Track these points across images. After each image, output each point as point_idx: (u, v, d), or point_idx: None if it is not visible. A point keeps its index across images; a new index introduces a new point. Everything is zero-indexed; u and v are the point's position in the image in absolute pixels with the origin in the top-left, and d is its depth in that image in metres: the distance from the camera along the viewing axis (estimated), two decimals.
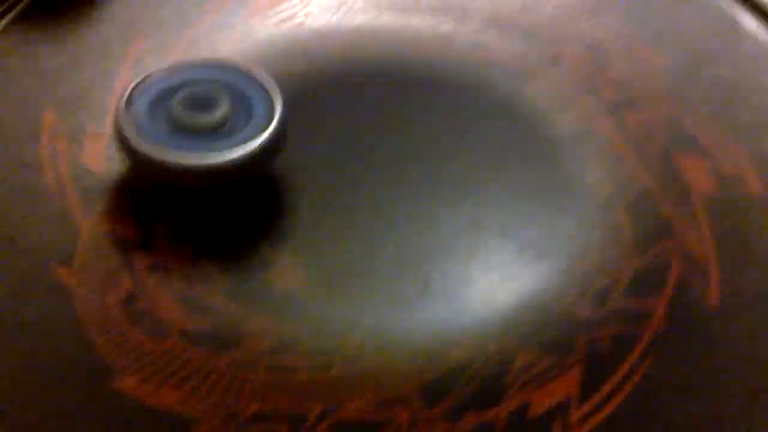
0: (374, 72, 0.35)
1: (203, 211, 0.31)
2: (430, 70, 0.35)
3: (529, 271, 0.30)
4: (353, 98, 0.34)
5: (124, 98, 0.30)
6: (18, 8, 0.35)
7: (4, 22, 0.35)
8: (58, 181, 0.31)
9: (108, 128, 0.33)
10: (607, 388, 0.27)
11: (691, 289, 0.29)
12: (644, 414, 0.27)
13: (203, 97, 0.30)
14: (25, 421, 0.26)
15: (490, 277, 0.30)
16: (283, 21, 0.36)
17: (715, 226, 0.30)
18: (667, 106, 0.34)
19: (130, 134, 0.29)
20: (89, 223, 0.31)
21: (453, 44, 0.36)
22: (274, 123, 0.30)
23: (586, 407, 0.27)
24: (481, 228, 0.31)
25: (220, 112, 0.30)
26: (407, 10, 0.36)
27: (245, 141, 0.29)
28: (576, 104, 0.34)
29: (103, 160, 0.32)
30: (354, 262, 0.30)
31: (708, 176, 0.32)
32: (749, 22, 0.35)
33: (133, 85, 0.30)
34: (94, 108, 0.34)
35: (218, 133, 0.30)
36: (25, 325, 0.28)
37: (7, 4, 0.35)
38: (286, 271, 0.30)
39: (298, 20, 0.36)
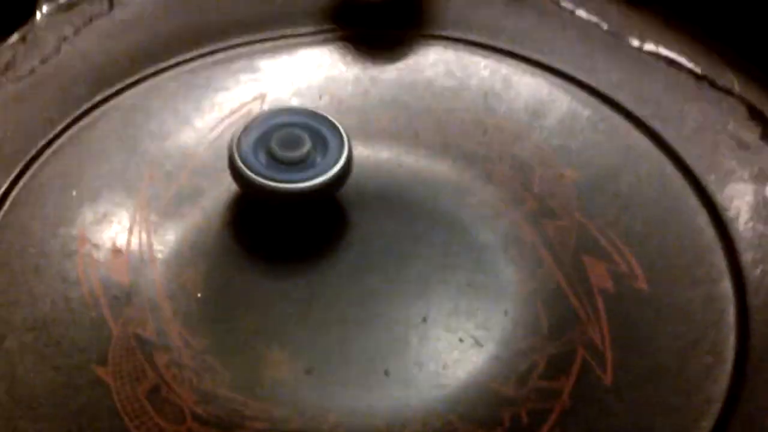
0: (343, 192, 0.43)
1: (207, 315, 0.39)
2: (385, 190, 0.43)
3: (467, 358, 0.38)
4: (322, 219, 0.42)
5: (236, 139, 0.40)
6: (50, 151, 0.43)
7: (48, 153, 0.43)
8: (91, 293, 0.40)
9: (127, 246, 0.41)
10: None
11: (591, 370, 0.37)
12: None
13: (292, 137, 0.40)
14: None
15: (436, 365, 0.38)
16: None
17: (610, 317, 0.39)
18: (577, 216, 0.42)
19: (240, 166, 0.40)
20: (118, 328, 0.39)
21: (404, 166, 0.44)
22: (342, 159, 0.40)
23: None
24: (429, 323, 0.39)
25: (304, 149, 0.40)
26: (368, 139, 0.44)
27: (322, 172, 0.40)
28: (505, 215, 0.42)
29: (126, 272, 0.40)
30: (329, 355, 0.38)
31: (607, 275, 0.40)
32: (643, 143, 0.44)
33: (241, 129, 0.40)
34: (117, 227, 0.42)
35: (302, 165, 0.40)
36: (73, 413, 0.36)
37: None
38: (276, 364, 0.38)
39: None
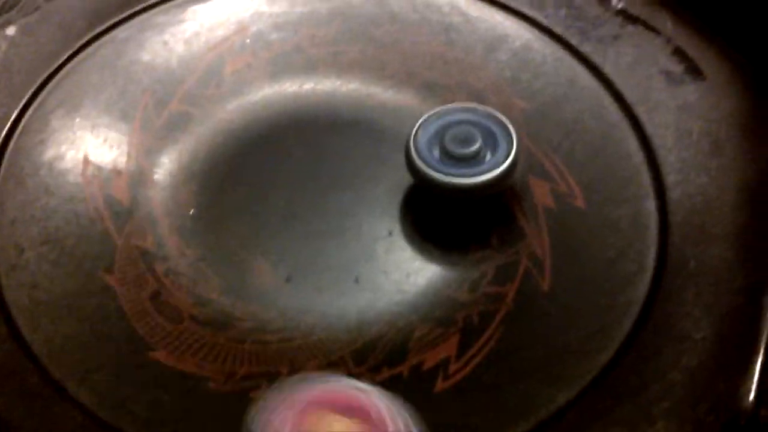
0: (318, 120, 0.48)
1: (199, 229, 0.45)
2: (354, 117, 0.48)
3: (426, 267, 0.44)
4: (299, 141, 0.48)
5: (413, 135, 0.43)
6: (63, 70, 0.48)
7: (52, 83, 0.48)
8: (96, 210, 0.45)
9: (126, 167, 0.46)
10: (475, 348, 0.42)
11: (532, 278, 0.44)
12: (497, 364, 0.41)
13: (465, 135, 0.43)
14: (97, 379, 0.40)
15: (400, 274, 0.44)
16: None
17: (551, 232, 0.45)
18: (524, 141, 0.47)
19: (416, 160, 0.43)
20: (121, 240, 0.44)
21: (372, 95, 0.49)
22: (511, 156, 0.43)
23: (461, 362, 0.41)
24: (394, 237, 0.45)
25: (475, 146, 0.43)
26: (340, 70, 0.49)
27: (491, 168, 0.42)
28: None
29: (126, 191, 0.46)
30: (306, 265, 0.44)
31: (549, 195, 0.46)
32: (585, 77, 0.49)
33: (417, 125, 0.44)
34: (116, 151, 0.47)
35: (473, 161, 0.43)
36: (86, 314, 0.42)
37: None
38: (260, 273, 0.44)
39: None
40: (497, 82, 0.49)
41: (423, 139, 0.43)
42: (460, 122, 0.44)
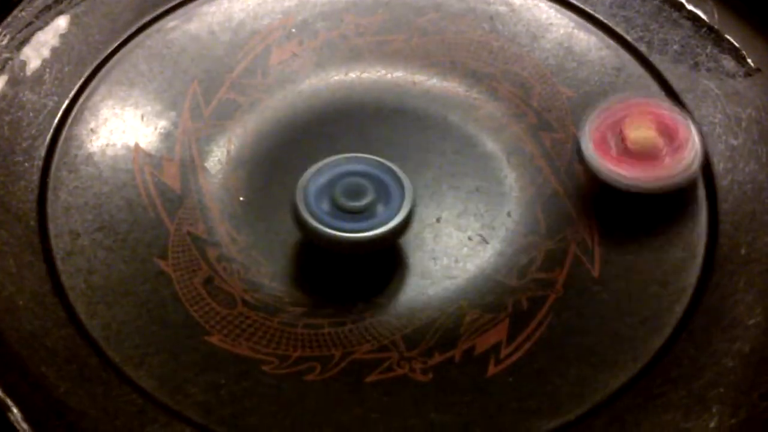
0: (364, 108, 0.48)
1: (250, 215, 0.45)
2: (400, 105, 0.49)
3: (475, 253, 0.45)
4: (345, 129, 0.48)
5: (301, 185, 0.41)
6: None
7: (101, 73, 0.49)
8: (149, 197, 0.45)
9: (176, 154, 0.47)
10: (525, 334, 0.42)
11: (582, 264, 0.44)
12: (549, 349, 0.42)
13: (356, 187, 0.42)
14: (155, 363, 0.41)
15: (449, 259, 0.44)
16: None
17: (599, 218, 0.45)
18: (571, 129, 0.48)
19: (303, 213, 0.41)
20: (174, 227, 0.45)
21: (417, 84, 0.49)
22: (403, 212, 0.41)
23: (512, 346, 0.42)
24: (442, 223, 0.45)
25: (366, 199, 0.41)
26: (385, 59, 0.50)
27: (382, 223, 0.41)
28: (508, 128, 0.48)
29: (177, 179, 0.46)
30: None
31: (597, 183, 0.46)
32: (631, 65, 0.49)
33: (307, 175, 0.42)
34: (166, 139, 0.47)
35: (363, 215, 0.41)
36: (141, 301, 0.42)
37: None
38: (311, 260, 0.44)
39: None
40: (542, 70, 0.49)
41: (312, 191, 0.41)
42: (350, 174, 0.42)
